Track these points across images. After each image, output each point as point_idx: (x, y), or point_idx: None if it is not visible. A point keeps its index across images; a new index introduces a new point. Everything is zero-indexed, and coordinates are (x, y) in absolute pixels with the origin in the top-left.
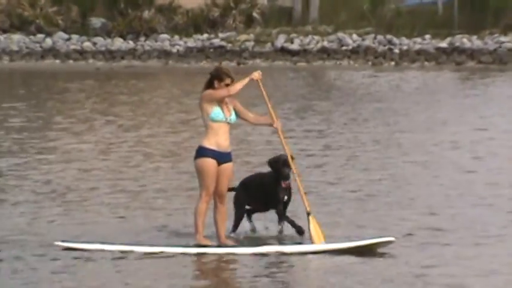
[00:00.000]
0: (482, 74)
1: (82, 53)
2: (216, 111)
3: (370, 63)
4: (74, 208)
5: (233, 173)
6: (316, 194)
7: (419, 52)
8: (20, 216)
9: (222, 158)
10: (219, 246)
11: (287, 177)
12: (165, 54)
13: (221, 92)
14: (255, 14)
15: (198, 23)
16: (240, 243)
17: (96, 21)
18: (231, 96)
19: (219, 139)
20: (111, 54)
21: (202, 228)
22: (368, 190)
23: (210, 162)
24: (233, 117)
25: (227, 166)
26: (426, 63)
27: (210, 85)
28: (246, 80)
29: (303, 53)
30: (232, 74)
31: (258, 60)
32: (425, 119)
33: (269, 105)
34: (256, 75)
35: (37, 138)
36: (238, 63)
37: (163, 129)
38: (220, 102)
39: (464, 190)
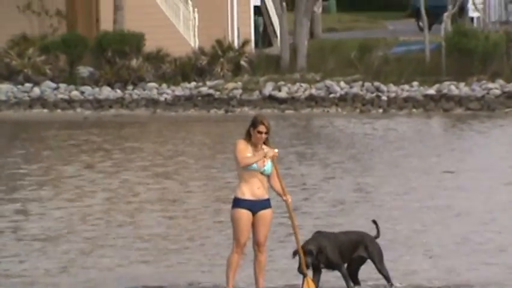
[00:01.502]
0: (471, 120)
1: (70, 102)
2: None
3: (358, 110)
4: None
5: (271, 220)
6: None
7: (407, 99)
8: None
9: (257, 206)
10: None
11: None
12: (153, 102)
13: (238, 156)
14: (242, 62)
15: (185, 71)
16: None
17: (84, 70)
18: (244, 164)
19: (252, 187)
20: (99, 103)
21: (232, 281)
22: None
23: (242, 214)
24: (267, 167)
25: (263, 214)
26: (414, 110)
27: (248, 133)
28: (260, 157)
29: (290, 100)
30: (267, 122)
31: (246, 108)
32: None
33: (281, 180)
34: (271, 154)
35: (31, 185)
36: (226, 111)
37: (152, 176)
38: (255, 150)
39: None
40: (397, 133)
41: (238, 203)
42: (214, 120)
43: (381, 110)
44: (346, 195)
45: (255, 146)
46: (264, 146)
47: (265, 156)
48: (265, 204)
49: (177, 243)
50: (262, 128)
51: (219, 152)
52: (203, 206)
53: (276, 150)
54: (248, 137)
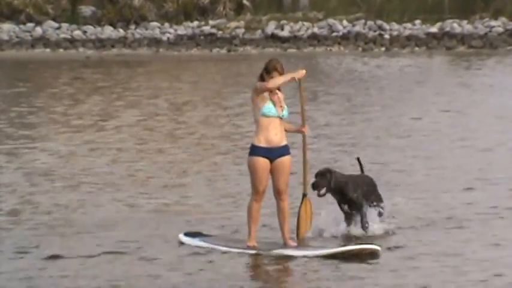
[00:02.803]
0: (473, 58)
1: (72, 42)
2: (268, 107)
3: (360, 49)
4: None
5: (290, 167)
6: None
7: (409, 37)
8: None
9: (274, 153)
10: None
11: (313, 187)
12: (155, 42)
13: (262, 85)
14: (245, 1)
15: (188, 10)
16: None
17: (86, 10)
18: (271, 90)
19: (268, 134)
20: (101, 43)
21: (252, 229)
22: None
23: (258, 161)
24: (285, 112)
25: (281, 161)
26: (416, 48)
27: (262, 78)
28: (288, 77)
29: (293, 39)
30: (281, 68)
31: (248, 47)
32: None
33: (304, 108)
34: (299, 74)
35: (30, 126)
36: (229, 50)
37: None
38: (273, 96)
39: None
40: (399, 71)
41: (254, 150)
42: (216, 59)
43: (383, 49)
44: (347, 133)
45: (270, 90)
46: (277, 91)
47: (293, 78)
48: (282, 151)
49: (183, 178)
50: (275, 74)
51: (222, 90)
52: (209, 142)
53: (304, 71)
54: (262, 81)
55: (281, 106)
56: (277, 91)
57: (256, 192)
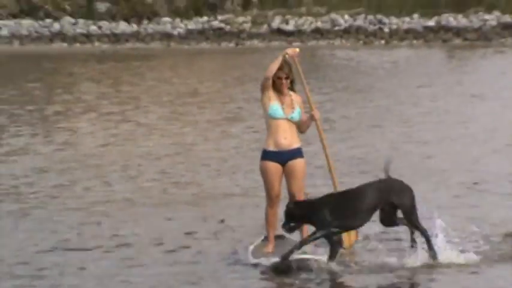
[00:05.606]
0: (468, 50)
1: (88, 36)
2: (273, 108)
3: (361, 42)
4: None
5: (302, 171)
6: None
7: (408, 31)
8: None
9: (283, 157)
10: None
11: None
12: (166, 36)
13: (263, 79)
14: None
15: (198, 6)
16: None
17: (101, 6)
18: (269, 72)
19: (277, 138)
20: (115, 37)
21: (271, 236)
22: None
23: (268, 166)
24: (295, 114)
25: (292, 164)
26: (415, 41)
27: (273, 79)
28: (279, 58)
29: (297, 33)
30: (287, 68)
31: (255, 41)
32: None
33: (307, 91)
34: (290, 51)
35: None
36: (237, 44)
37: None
38: (281, 96)
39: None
40: (399, 63)
41: (264, 154)
42: (225, 53)
43: (383, 42)
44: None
45: (280, 92)
46: (291, 92)
47: (284, 55)
48: (292, 154)
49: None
50: (280, 74)
51: (230, 81)
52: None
53: (298, 49)
54: (273, 84)
55: (291, 107)
56: (291, 93)
57: (269, 198)
